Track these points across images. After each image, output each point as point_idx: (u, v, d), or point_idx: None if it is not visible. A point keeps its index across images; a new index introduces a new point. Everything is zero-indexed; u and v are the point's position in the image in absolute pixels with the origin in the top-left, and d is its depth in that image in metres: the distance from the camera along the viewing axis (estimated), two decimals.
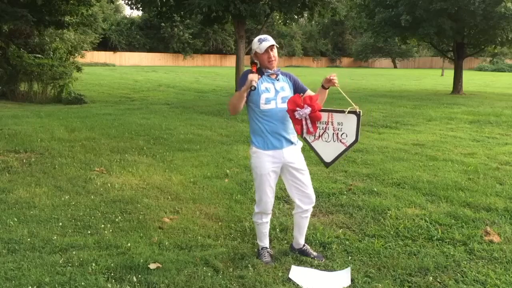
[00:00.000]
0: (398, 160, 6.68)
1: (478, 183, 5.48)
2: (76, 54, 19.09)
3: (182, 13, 14.16)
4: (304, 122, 3.17)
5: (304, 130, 3.21)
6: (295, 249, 3.57)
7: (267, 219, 3.43)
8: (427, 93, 20.14)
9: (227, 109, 3.16)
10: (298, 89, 3.35)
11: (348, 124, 3.17)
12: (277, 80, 3.27)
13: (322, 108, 3.21)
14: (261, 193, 3.31)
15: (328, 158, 3.28)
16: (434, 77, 37.03)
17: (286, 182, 3.39)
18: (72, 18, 15.07)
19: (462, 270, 3.31)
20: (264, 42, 3.17)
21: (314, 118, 3.18)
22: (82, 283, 3.01)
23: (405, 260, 3.44)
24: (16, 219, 4.10)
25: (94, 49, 44.87)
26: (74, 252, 3.47)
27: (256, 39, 3.25)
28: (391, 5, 18.35)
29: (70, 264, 3.28)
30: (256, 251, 3.52)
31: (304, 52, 66.91)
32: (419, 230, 4.03)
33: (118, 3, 54.74)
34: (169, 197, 4.89)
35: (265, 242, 3.49)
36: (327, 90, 3.36)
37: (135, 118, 10.69)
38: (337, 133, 3.19)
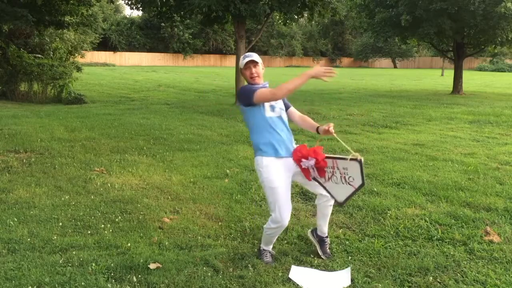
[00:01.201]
0: (398, 160, 6.68)
1: (478, 183, 5.48)
2: (76, 54, 19.08)
3: (182, 13, 14.14)
4: (311, 171, 3.26)
5: (313, 176, 3.30)
6: (317, 235, 3.56)
7: (280, 232, 3.40)
8: (427, 93, 20.14)
9: (278, 94, 3.12)
10: (285, 104, 3.43)
11: (352, 169, 3.19)
12: None
13: (326, 156, 3.25)
14: (282, 208, 3.18)
15: (340, 198, 3.31)
16: (434, 77, 37.03)
17: (302, 182, 3.42)
18: (72, 18, 15.06)
19: (462, 270, 3.31)
20: (246, 58, 3.23)
21: (319, 168, 3.25)
22: (82, 283, 3.01)
23: (405, 260, 3.44)
24: (16, 219, 4.10)
25: (94, 49, 44.86)
26: (74, 252, 3.47)
27: (242, 56, 3.29)
28: (391, 5, 18.36)
29: (70, 264, 3.28)
30: (257, 251, 3.52)
31: (304, 52, 66.91)
32: (419, 230, 4.03)
33: (118, 3, 54.86)
34: (169, 197, 4.89)
35: (270, 247, 3.48)
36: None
37: (135, 118, 10.69)
38: (345, 177, 3.24)
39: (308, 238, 3.69)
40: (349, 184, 3.23)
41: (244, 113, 3.34)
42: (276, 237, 3.45)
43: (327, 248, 3.55)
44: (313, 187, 3.39)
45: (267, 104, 3.21)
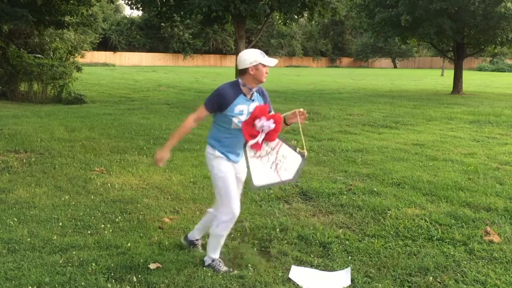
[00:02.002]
0: (398, 160, 6.68)
1: (478, 183, 5.48)
2: (76, 54, 19.05)
3: (182, 13, 14.15)
4: (259, 135, 3.07)
5: (252, 141, 3.08)
6: (188, 240, 3.59)
7: (232, 225, 3.25)
8: (427, 93, 20.14)
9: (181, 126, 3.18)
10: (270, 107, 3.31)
11: (291, 161, 3.10)
12: (252, 100, 3.12)
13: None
14: (230, 195, 3.10)
15: (257, 181, 3.16)
16: (434, 77, 37.03)
17: None
18: (72, 18, 15.06)
19: (462, 270, 3.31)
20: (270, 58, 3.06)
21: (269, 136, 3.09)
22: (82, 283, 3.01)
23: (405, 260, 3.44)
24: (16, 219, 4.10)
25: (94, 49, 44.84)
26: (74, 252, 3.46)
27: (258, 51, 3.08)
28: (391, 5, 18.37)
29: (70, 264, 3.28)
30: (210, 267, 3.26)
31: (304, 52, 66.90)
32: (419, 230, 4.03)
33: (118, 3, 54.79)
34: (169, 197, 4.89)
35: (218, 253, 3.30)
36: (286, 127, 3.24)
37: (135, 118, 10.68)
38: (277, 164, 3.12)
39: (182, 244, 3.61)
40: (277, 174, 3.12)
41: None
42: (225, 236, 3.27)
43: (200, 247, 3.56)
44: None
45: (235, 120, 3.06)
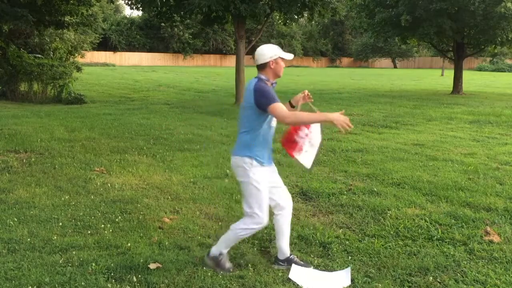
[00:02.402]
0: (398, 160, 6.68)
1: (478, 183, 5.48)
2: (76, 54, 19.05)
3: (182, 13, 14.13)
4: (302, 142, 3.25)
5: (299, 153, 3.26)
6: (282, 261, 3.37)
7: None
8: (427, 93, 20.14)
9: (289, 120, 3.02)
10: None
11: (314, 128, 3.28)
12: None
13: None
14: (263, 207, 3.11)
15: (308, 164, 3.29)
16: (434, 77, 37.03)
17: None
18: (72, 18, 15.05)
19: (462, 270, 3.31)
20: (286, 52, 3.13)
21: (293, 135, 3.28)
22: (82, 283, 3.01)
23: (405, 260, 3.44)
24: (16, 219, 4.10)
25: (94, 49, 44.82)
26: (74, 252, 3.47)
27: (276, 46, 3.12)
28: (391, 5, 18.36)
29: (70, 264, 3.28)
30: (209, 260, 3.28)
31: (304, 52, 66.89)
32: (419, 230, 4.03)
33: (118, 3, 54.82)
34: (169, 197, 4.89)
35: (228, 249, 3.31)
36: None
37: (135, 118, 10.69)
38: (310, 140, 3.27)
39: (274, 268, 3.35)
40: (312, 145, 3.27)
41: (249, 110, 3.10)
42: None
43: (299, 260, 3.37)
44: (277, 195, 3.29)
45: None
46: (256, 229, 3.19)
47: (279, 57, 3.09)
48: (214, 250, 3.28)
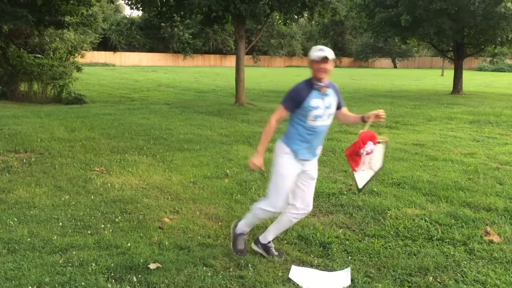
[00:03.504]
0: (398, 160, 6.68)
1: (478, 183, 5.48)
2: (76, 54, 19.08)
3: (182, 13, 14.13)
4: (364, 159, 3.30)
5: (360, 168, 3.33)
6: (259, 242, 3.49)
7: (267, 218, 3.47)
8: (427, 93, 20.14)
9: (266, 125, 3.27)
10: (338, 104, 3.36)
11: (377, 151, 3.31)
12: (326, 95, 3.20)
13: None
14: (280, 195, 3.24)
15: (360, 184, 3.39)
16: (434, 77, 37.03)
17: (294, 183, 3.33)
18: (72, 18, 15.06)
19: (462, 270, 3.31)
20: (321, 52, 3.09)
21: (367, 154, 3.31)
22: (82, 283, 3.01)
23: (405, 260, 3.44)
24: (16, 219, 4.10)
25: (94, 49, 44.80)
26: (74, 252, 3.46)
27: (316, 47, 3.16)
28: (391, 5, 18.37)
29: (70, 264, 3.28)
30: (236, 233, 3.49)
31: (304, 52, 66.82)
32: (419, 230, 4.03)
33: (118, 3, 54.86)
34: (169, 197, 4.89)
35: (249, 228, 3.53)
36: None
37: (135, 118, 10.69)
38: (370, 161, 3.32)
39: (254, 250, 3.52)
40: (371, 168, 3.31)
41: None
42: (262, 220, 3.52)
43: (273, 250, 3.47)
44: (298, 193, 3.33)
45: (312, 114, 3.14)
46: (270, 212, 3.30)
47: (311, 59, 3.13)
48: (240, 227, 3.49)
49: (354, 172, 3.34)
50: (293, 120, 3.24)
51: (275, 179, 3.26)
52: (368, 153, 3.25)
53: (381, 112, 3.23)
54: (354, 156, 3.30)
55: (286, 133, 3.29)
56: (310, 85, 3.18)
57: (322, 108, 3.17)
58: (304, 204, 3.34)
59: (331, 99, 3.24)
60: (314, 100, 3.14)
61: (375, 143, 3.26)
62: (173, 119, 10.59)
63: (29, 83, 14.83)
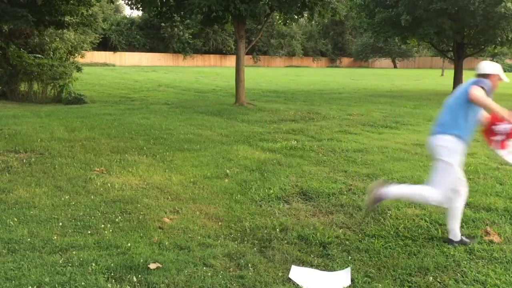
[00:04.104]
0: (398, 160, 6.68)
1: (478, 183, 5.48)
2: (76, 54, 19.05)
3: (182, 13, 14.13)
4: (497, 136, 3.65)
5: (496, 140, 3.70)
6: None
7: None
8: (427, 93, 20.15)
9: (482, 102, 3.50)
10: None
11: None
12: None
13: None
14: (448, 187, 3.56)
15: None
16: (434, 77, 37.04)
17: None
18: (72, 18, 15.05)
19: (462, 270, 3.31)
20: (504, 75, 3.73)
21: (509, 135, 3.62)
22: (82, 283, 3.01)
23: (405, 260, 3.44)
24: (16, 219, 4.10)
25: (94, 49, 44.84)
26: (74, 252, 3.47)
27: (499, 66, 3.73)
28: (391, 5, 18.36)
29: (70, 264, 3.28)
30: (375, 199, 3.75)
31: (304, 52, 66.93)
32: (419, 230, 4.04)
33: (118, 3, 54.86)
34: (169, 197, 4.89)
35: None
36: None
37: (135, 118, 10.69)
38: None
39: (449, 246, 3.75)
40: None
41: (463, 96, 3.56)
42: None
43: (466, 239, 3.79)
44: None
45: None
46: (435, 202, 3.64)
47: (500, 77, 3.75)
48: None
49: (502, 153, 3.73)
50: (465, 109, 3.58)
51: (447, 176, 3.61)
52: (499, 132, 3.59)
53: None
54: (489, 133, 3.68)
55: (454, 126, 3.58)
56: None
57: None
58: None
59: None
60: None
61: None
62: (173, 119, 10.59)
63: (29, 83, 14.82)
